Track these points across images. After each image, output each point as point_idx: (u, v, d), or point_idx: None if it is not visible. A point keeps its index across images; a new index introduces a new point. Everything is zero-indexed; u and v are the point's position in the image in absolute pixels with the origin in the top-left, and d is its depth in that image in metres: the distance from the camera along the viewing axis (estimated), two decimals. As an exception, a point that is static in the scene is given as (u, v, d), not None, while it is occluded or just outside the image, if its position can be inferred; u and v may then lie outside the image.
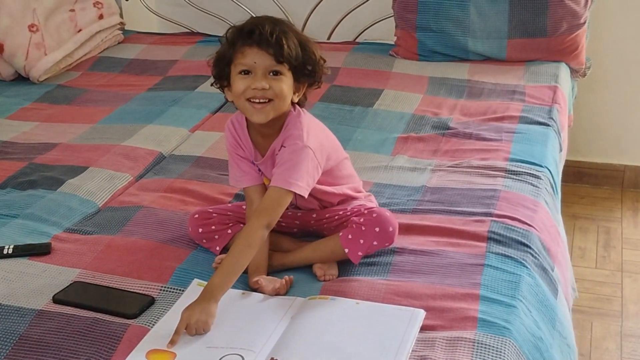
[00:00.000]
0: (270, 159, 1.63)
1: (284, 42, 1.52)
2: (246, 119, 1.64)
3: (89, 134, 2.38)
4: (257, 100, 1.55)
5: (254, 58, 1.53)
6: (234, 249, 1.50)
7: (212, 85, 1.66)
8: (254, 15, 1.61)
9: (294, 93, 1.60)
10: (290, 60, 1.54)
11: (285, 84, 1.55)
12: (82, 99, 2.70)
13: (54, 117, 2.54)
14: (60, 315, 1.47)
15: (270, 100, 1.55)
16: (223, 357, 1.34)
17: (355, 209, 1.68)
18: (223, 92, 1.65)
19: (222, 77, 1.60)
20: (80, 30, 3.05)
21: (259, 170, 1.68)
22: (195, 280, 1.58)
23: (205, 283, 1.49)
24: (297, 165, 1.55)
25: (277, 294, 1.54)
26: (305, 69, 1.58)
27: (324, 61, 1.62)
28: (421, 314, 1.45)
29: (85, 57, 3.07)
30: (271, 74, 1.54)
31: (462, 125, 2.33)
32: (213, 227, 1.71)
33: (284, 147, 1.59)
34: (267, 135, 1.63)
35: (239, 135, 1.67)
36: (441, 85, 2.67)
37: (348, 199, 1.74)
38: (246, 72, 1.55)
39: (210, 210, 1.75)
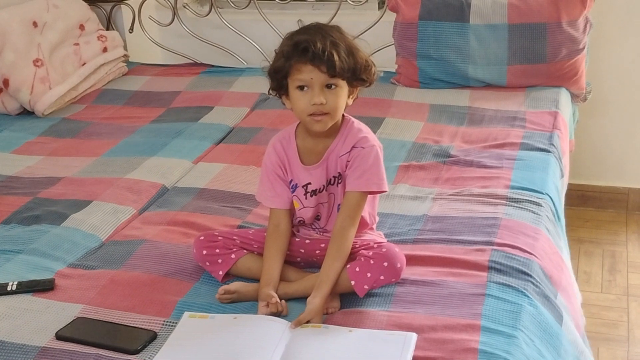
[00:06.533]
0: (325, 162, 1.71)
1: (335, 57, 1.60)
2: (296, 129, 1.74)
3: (93, 167, 2.40)
4: (317, 114, 1.64)
5: (310, 74, 1.62)
6: (337, 260, 1.63)
7: (269, 93, 1.74)
8: (303, 26, 1.71)
9: (348, 97, 1.69)
10: (342, 74, 1.62)
11: (340, 96, 1.65)
12: (86, 132, 2.73)
13: (59, 150, 2.57)
14: (63, 352, 1.48)
15: (327, 113, 1.64)
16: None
17: (365, 243, 1.70)
18: (281, 99, 1.72)
19: (280, 88, 1.69)
20: (84, 64, 3.09)
21: (295, 187, 1.73)
22: (186, 313, 1.60)
23: (196, 314, 1.56)
24: (373, 164, 1.68)
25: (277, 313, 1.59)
26: (357, 76, 1.66)
27: (373, 65, 1.70)
28: (414, 337, 1.46)
29: (90, 90, 3.11)
30: (326, 86, 1.63)
31: (463, 153, 2.35)
32: (217, 251, 1.74)
33: (358, 147, 1.68)
34: (322, 139, 1.71)
35: (286, 152, 1.74)
36: (442, 112, 2.68)
37: (364, 229, 1.76)
38: (303, 87, 1.64)
39: (217, 234, 1.79)
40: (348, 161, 1.70)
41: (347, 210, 1.68)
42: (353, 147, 1.70)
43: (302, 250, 1.77)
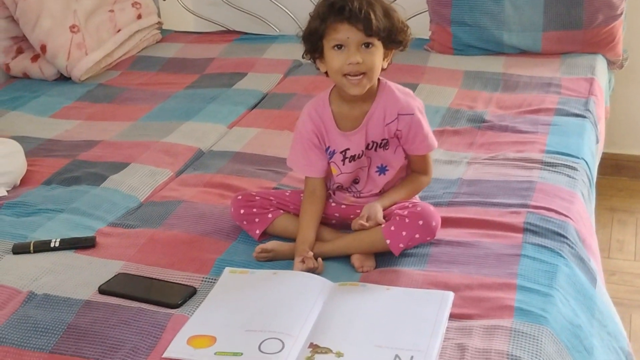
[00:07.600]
0: (365, 127, 1.71)
1: (372, 16, 1.60)
2: (329, 96, 1.73)
3: (130, 131, 2.44)
4: (353, 75, 1.63)
5: (347, 33, 1.61)
6: (404, 189, 1.75)
7: (303, 57, 1.74)
8: None
9: (384, 59, 1.68)
10: (379, 33, 1.62)
11: (377, 55, 1.64)
12: (122, 98, 2.76)
13: (96, 115, 2.61)
14: (107, 306, 1.52)
15: (363, 73, 1.63)
16: (263, 341, 1.37)
17: (400, 203, 1.72)
18: (315, 63, 1.72)
19: (315, 51, 1.69)
20: (119, 30, 3.12)
21: (332, 154, 1.74)
22: (227, 269, 1.63)
23: (237, 270, 1.61)
24: (425, 127, 1.73)
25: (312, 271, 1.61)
26: (393, 37, 1.66)
27: (408, 27, 1.70)
28: (451, 296, 1.48)
29: (125, 57, 3.14)
30: (363, 46, 1.62)
31: (498, 118, 2.34)
32: (254, 210, 1.76)
33: (405, 114, 1.70)
34: (358, 104, 1.71)
35: (322, 119, 1.73)
36: (476, 79, 2.67)
37: None
38: (339, 47, 1.63)
39: (254, 194, 1.81)
40: (398, 130, 1.70)
41: (421, 168, 1.78)
42: (399, 114, 1.70)
43: (337, 214, 1.79)
